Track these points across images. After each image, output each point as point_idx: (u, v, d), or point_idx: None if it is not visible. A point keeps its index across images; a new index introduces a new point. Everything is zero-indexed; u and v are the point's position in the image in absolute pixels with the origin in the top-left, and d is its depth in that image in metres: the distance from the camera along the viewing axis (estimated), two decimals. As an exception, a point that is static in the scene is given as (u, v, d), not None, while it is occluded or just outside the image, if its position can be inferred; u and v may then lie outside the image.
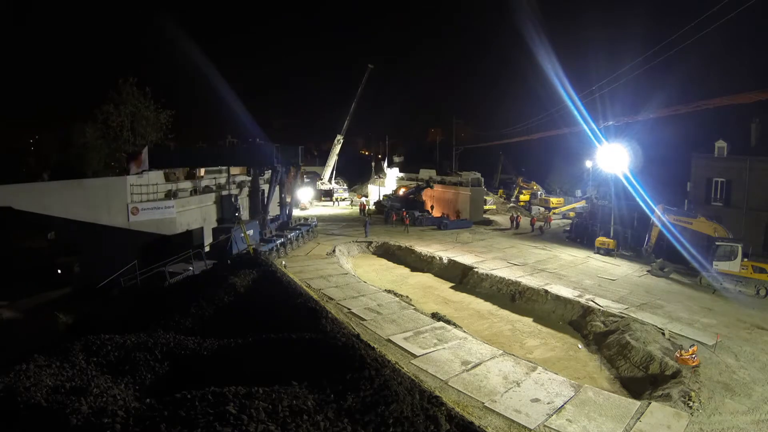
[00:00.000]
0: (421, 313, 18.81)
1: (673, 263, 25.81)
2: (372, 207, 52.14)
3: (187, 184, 28.39)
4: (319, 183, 60.80)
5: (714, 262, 22.88)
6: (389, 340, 15.76)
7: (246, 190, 33.91)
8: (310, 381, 9.40)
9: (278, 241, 27.94)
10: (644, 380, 14.43)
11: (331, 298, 20.26)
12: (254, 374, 9.95)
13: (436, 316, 18.51)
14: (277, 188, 32.29)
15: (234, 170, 34.29)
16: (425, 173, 54.28)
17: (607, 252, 29.72)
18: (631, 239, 30.49)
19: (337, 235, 34.82)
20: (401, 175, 58.83)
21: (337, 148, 59.76)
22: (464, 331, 17.15)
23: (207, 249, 25.30)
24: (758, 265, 22.07)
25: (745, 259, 22.39)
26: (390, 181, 58.21)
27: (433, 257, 29.05)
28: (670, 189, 34.53)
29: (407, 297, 21.85)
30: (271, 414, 7.84)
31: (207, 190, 29.76)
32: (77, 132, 36.69)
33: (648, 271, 25.75)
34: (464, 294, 23.96)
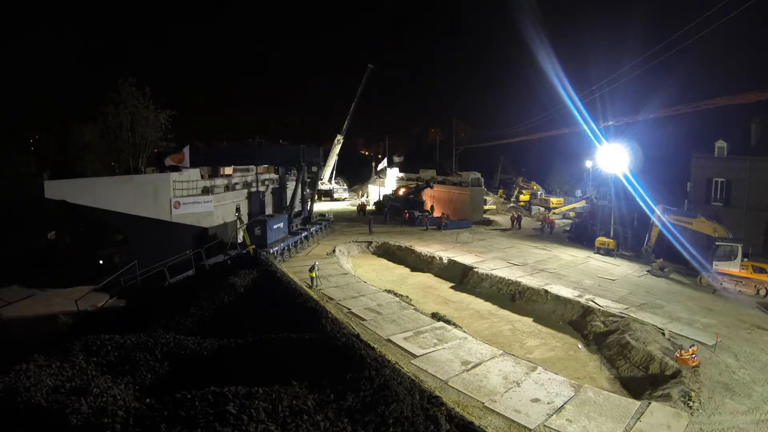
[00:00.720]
0: (421, 313, 18.82)
1: (673, 263, 25.82)
2: (372, 207, 52.17)
3: (221, 181, 30.13)
4: (318, 183, 60.86)
5: (714, 262, 22.88)
6: (389, 340, 15.77)
7: (270, 187, 35.71)
8: (310, 381, 9.40)
9: (303, 234, 30.77)
10: (644, 380, 14.44)
11: (331, 298, 20.27)
12: (254, 374, 9.95)
13: (436, 316, 18.51)
14: (299, 185, 34.52)
15: (258, 168, 35.94)
16: (425, 173, 54.28)
17: (607, 252, 29.72)
18: (631, 239, 30.48)
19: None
20: (401, 175, 58.81)
21: (337, 148, 59.73)
22: (464, 331, 17.16)
23: (240, 240, 27.39)
24: (758, 265, 22.08)
25: (745, 259, 22.40)
26: (390, 181, 58.22)
27: (433, 257, 29.05)
28: (670, 189, 34.51)
29: (407, 297, 21.86)
30: (271, 414, 7.84)
31: (237, 187, 31.59)
32: (77, 132, 36.72)
33: (648, 271, 25.76)
34: (464, 294, 23.96)
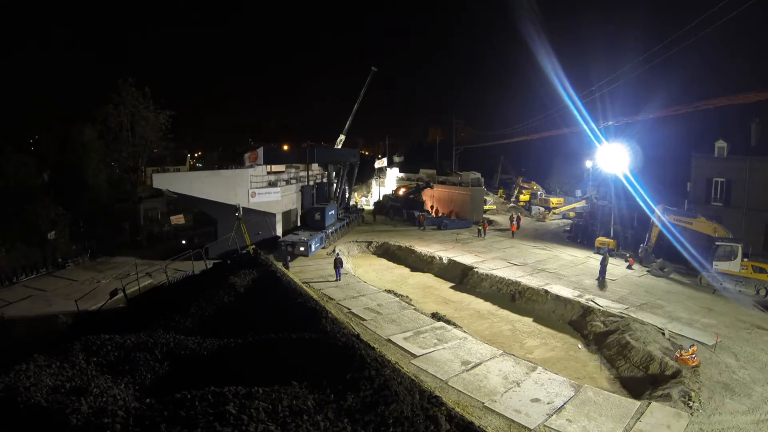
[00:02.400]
0: (421, 313, 18.82)
1: (673, 263, 25.81)
2: (371, 207, 52.19)
3: (284, 176, 34.64)
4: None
5: (714, 262, 22.87)
6: (389, 340, 15.77)
7: (313, 182, 39.94)
8: (310, 381, 9.39)
9: (345, 221, 37.45)
10: (644, 380, 14.44)
11: (331, 298, 20.26)
12: (254, 374, 9.94)
13: (436, 316, 18.51)
14: (342, 180, 41.13)
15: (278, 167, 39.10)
16: (425, 173, 54.24)
17: (608, 252, 29.68)
18: (631, 239, 30.47)
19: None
20: (401, 175, 58.77)
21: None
22: (464, 331, 17.16)
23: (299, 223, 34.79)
24: (758, 265, 22.08)
25: (745, 259, 22.40)
26: (390, 181, 58.18)
27: (433, 257, 29.05)
28: (670, 189, 34.48)
29: (407, 297, 21.85)
30: (271, 414, 7.84)
31: (292, 182, 36.04)
32: (77, 132, 36.70)
33: (648, 271, 25.75)
34: (464, 294, 23.96)
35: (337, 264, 23.69)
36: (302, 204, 36.19)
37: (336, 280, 23.14)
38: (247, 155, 31.77)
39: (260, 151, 31.95)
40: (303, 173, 38.35)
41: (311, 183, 38.26)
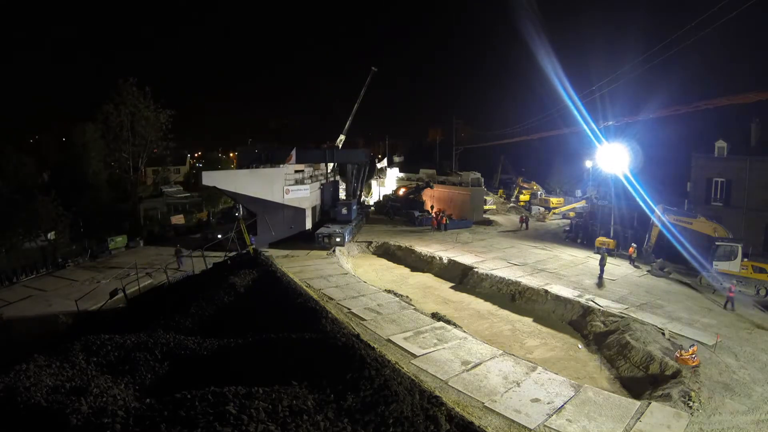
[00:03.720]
0: (421, 313, 18.80)
1: (673, 263, 25.80)
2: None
3: (308, 174, 37.36)
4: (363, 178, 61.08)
5: (714, 262, 22.86)
6: (389, 340, 15.76)
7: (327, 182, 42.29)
8: (310, 381, 9.40)
9: (362, 215, 40.57)
10: (644, 380, 14.43)
11: (331, 298, 20.25)
12: (254, 374, 9.95)
13: (436, 316, 18.50)
14: (358, 179, 43.59)
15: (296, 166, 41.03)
16: (425, 173, 54.21)
17: (607, 252, 29.69)
18: (631, 239, 30.46)
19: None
20: (401, 175, 58.73)
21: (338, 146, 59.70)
22: (464, 331, 17.14)
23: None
24: (758, 265, 22.07)
25: (745, 259, 22.38)
26: (390, 181, 58.17)
27: (433, 257, 29.04)
28: (670, 189, 34.48)
29: (407, 297, 21.84)
30: (271, 414, 7.84)
31: (314, 180, 38.63)
32: (77, 132, 36.73)
33: (648, 271, 25.74)
34: (464, 294, 23.94)
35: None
36: (322, 200, 38.63)
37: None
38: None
39: (293, 152, 35.08)
40: (316, 172, 40.76)
41: (328, 181, 40.97)
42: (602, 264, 24.46)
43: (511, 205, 53.19)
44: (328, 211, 37.77)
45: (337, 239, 30.60)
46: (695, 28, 22.39)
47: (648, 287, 22.92)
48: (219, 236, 29.82)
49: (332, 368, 9.95)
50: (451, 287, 25.23)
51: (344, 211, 35.40)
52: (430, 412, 9.32)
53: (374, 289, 22.23)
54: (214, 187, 31.86)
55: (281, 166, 33.97)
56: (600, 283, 23.45)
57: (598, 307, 19.62)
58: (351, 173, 42.19)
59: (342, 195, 44.26)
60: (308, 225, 34.63)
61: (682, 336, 16.54)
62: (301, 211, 34.33)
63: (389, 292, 21.96)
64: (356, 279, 24.37)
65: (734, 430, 11.17)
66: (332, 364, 10.20)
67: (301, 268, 25.32)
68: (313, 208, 36.78)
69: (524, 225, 40.28)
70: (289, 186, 33.46)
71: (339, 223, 34.06)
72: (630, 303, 20.16)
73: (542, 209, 49.25)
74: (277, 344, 11.53)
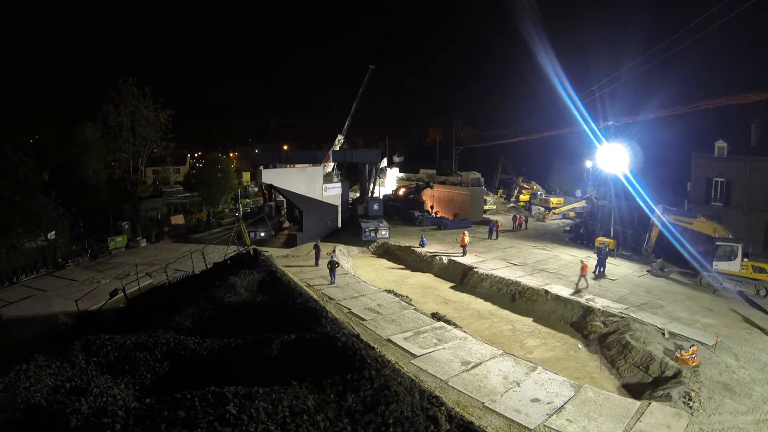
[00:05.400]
0: (421, 313, 18.81)
1: (673, 263, 25.79)
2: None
3: (335, 173, 39.37)
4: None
5: (714, 262, 22.86)
6: (389, 340, 15.76)
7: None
8: (311, 381, 9.40)
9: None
10: (644, 380, 14.44)
11: (331, 298, 20.26)
12: (254, 374, 9.94)
13: (436, 316, 18.50)
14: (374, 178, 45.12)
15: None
16: (425, 173, 54.18)
17: (608, 252, 29.68)
18: (631, 239, 30.46)
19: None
20: (401, 175, 58.72)
21: (337, 148, 59.67)
22: (464, 331, 17.15)
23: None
24: (758, 265, 22.06)
25: (745, 259, 22.38)
26: (390, 181, 58.16)
27: (433, 257, 29.04)
28: (670, 189, 34.50)
29: (407, 297, 21.84)
30: (271, 414, 7.84)
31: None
32: (77, 132, 36.70)
33: (648, 271, 25.73)
34: (464, 294, 23.95)
35: (333, 266, 23.32)
36: (343, 198, 39.78)
37: (331, 283, 22.95)
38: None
39: (331, 152, 38.17)
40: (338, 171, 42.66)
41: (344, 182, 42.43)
42: (601, 256, 25.25)
43: (511, 205, 53.17)
44: (353, 207, 39.29)
45: (383, 232, 33.30)
46: (695, 28, 22.39)
47: (648, 287, 22.93)
48: (262, 233, 32.68)
49: (332, 368, 9.95)
50: (451, 287, 25.23)
51: (375, 206, 37.20)
52: (430, 412, 9.32)
53: (374, 289, 22.24)
54: (271, 185, 34.27)
55: (320, 165, 36.28)
56: (600, 274, 24.37)
57: (598, 307, 19.61)
58: (367, 173, 42.83)
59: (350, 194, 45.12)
60: (339, 222, 36.73)
61: (682, 336, 16.54)
62: (334, 208, 36.47)
63: (389, 292, 21.97)
64: (356, 279, 24.38)
65: (734, 430, 11.17)
66: (332, 364, 10.20)
67: (301, 268, 25.32)
68: (345, 203, 38.80)
69: (521, 226, 40.07)
70: (326, 184, 35.78)
71: (371, 219, 35.58)
72: (630, 303, 20.16)
73: (542, 209, 49.24)
74: (277, 344, 11.51)
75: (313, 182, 34.68)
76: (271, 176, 33.78)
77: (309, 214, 34.02)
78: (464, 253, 28.84)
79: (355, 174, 45.03)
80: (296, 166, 39.28)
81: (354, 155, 43.70)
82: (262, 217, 35.34)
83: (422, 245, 31.50)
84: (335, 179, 39.65)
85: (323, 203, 35.31)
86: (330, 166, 38.70)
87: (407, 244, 31.88)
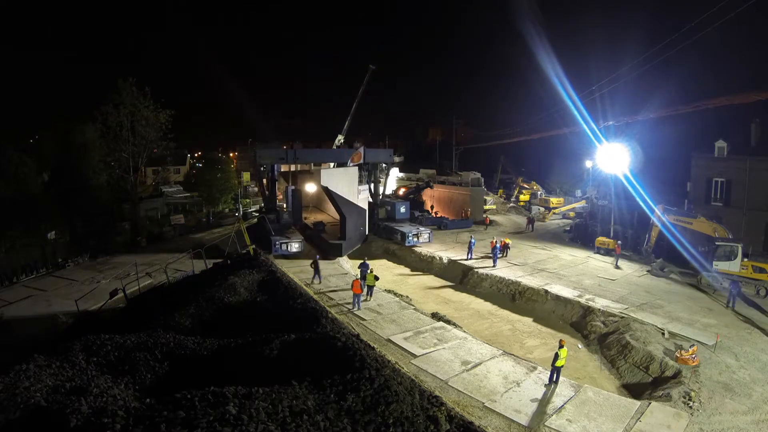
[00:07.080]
0: (421, 313, 18.80)
1: (673, 263, 25.78)
2: None
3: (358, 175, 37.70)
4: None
5: (714, 262, 22.85)
6: (389, 340, 15.76)
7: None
8: (311, 381, 9.40)
9: None
10: (644, 380, 14.44)
11: (331, 298, 20.25)
12: (254, 374, 9.94)
13: (436, 316, 18.50)
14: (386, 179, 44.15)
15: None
16: (425, 173, 54.16)
17: (607, 252, 29.69)
18: (631, 239, 30.44)
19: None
20: (401, 175, 58.71)
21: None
22: (464, 331, 17.15)
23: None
24: (758, 265, 22.05)
25: (745, 259, 22.37)
26: (390, 181, 58.16)
27: (433, 257, 29.04)
28: (670, 189, 34.46)
29: (407, 297, 21.84)
30: (271, 414, 7.84)
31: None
32: (77, 132, 36.67)
33: (648, 271, 25.73)
34: (464, 294, 23.95)
35: (316, 267, 22.75)
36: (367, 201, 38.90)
37: (318, 282, 22.50)
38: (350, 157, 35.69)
39: (362, 150, 36.55)
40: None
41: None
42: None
43: (511, 205, 53.16)
44: (374, 210, 36.80)
45: (425, 236, 31.69)
46: (695, 28, 22.40)
47: (648, 287, 22.92)
48: (295, 246, 29.95)
49: (332, 368, 9.95)
50: (451, 287, 25.23)
51: (402, 209, 35.70)
52: (430, 412, 9.32)
53: (374, 289, 22.20)
54: (326, 187, 30.42)
55: (350, 164, 34.45)
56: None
57: (598, 307, 19.60)
58: (379, 173, 41.51)
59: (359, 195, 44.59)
60: (367, 225, 34.55)
61: (682, 336, 16.54)
62: (364, 212, 33.95)
63: (389, 292, 21.97)
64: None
65: (734, 430, 11.17)
66: (332, 364, 10.20)
67: (301, 268, 25.30)
68: (371, 204, 37.02)
69: (530, 227, 40.03)
70: (359, 186, 33.98)
71: (399, 222, 34.49)
72: (630, 303, 20.16)
73: (542, 209, 49.24)
74: (277, 344, 11.51)
75: (351, 184, 32.60)
76: (327, 178, 30.83)
77: (350, 219, 31.11)
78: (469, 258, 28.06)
79: (360, 174, 44.60)
80: (322, 166, 37.43)
81: (367, 155, 40.99)
82: (288, 224, 32.48)
83: (470, 247, 28.55)
84: (363, 181, 38.28)
85: (359, 207, 33.08)
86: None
87: (407, 244, 31.83)
